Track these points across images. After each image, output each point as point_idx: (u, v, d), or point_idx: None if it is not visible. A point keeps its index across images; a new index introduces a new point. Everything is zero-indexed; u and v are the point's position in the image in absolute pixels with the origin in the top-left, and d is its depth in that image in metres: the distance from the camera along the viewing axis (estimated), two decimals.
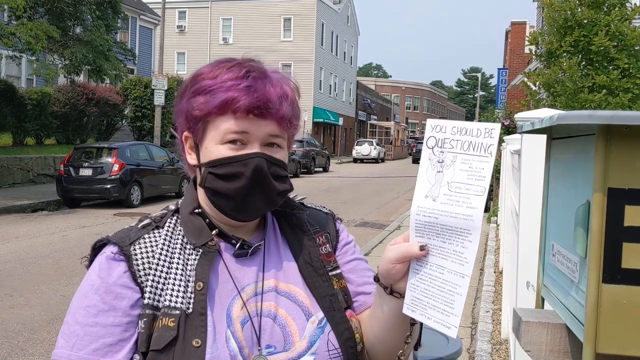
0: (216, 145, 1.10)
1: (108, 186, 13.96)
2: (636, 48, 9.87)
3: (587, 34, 9.70)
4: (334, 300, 1.18)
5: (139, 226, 1.15)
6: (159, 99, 21.14)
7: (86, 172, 14.09)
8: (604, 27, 9.63)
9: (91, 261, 1.14)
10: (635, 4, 10.93)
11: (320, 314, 1.15)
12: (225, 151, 1.10)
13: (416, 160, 44.57)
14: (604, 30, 9.60)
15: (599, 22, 9.71)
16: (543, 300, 1.22)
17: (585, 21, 9.86)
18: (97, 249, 1.14)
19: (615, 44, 9.79)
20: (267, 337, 1.11)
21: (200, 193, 1.18)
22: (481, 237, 10.64)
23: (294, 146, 29.27)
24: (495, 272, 7.54)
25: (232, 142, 1.09)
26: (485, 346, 4.87)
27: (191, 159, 1.17)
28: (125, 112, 24.95)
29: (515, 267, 3.21)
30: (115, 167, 14.09)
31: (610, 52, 9.66)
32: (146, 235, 1.13)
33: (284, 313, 1.14)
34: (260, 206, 1.13)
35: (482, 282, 7.17)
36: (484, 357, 4.63)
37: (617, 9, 9.93)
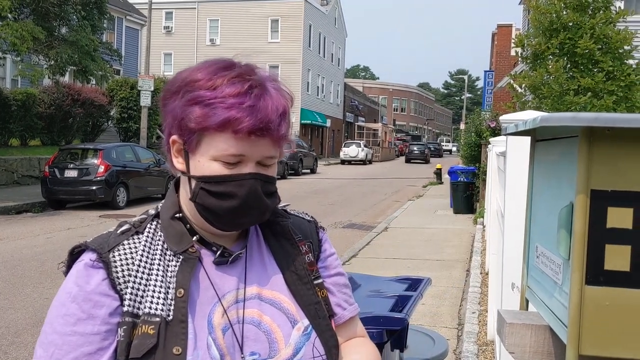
0: (210, 160, 1.08)
1: (94, 188, 13.84)
2: (620, 51, 9.96)
3: (573, 36, 9.78)
4: (318, 309, 1.18)
5: (118, 232, 1.13)
6: (145, 100, 21.02)
7: (71, 173, 13.96)
8: (588, 30, 9.72)
9: (69, 267, 1.12)
10: (619, 7, 11.04)
11: (306, 321, 1.15)
12: (220, 168, 1.08)
13: (409, 160, 47.49)
14: (589, 33, 9.68)
15: (584, 25, 9.79)
16: (527, 301, 1.22)
17: (571, 24, 9.94)
18: (74, 255, 1.12)
19: (600, 46, 9.88)
20: (251, 343, 1.11)
21: (183, 197, 1.16)
22: (468, 238, 10.70)
23: None
24: (481, 273, 7.58)
25: (228, 161, 1.08)
26: (471, 347, 4.88)
27: (178, 162, 1.14)
28: (111, 113, 24.77)
29: (501, 268, 3.22)
30: (101, 169, 13.97)
31: (595, 55, 9.74)
32: (125, 242, 1.11)
33: (269, 320, 1.13)
34: (249, 222, 1.14)
35: (469, 283, 7.20)
36: (470, 358, 4.65)
37: (601, 12, 10.01)
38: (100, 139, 23.70)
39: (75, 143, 20.72)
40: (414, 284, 2.64)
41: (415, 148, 48.78)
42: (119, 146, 15.79)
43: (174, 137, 1.12)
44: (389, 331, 2.08)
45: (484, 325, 5.54)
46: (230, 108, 1.05)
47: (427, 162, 46.26)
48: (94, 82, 21.52)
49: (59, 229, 11.31)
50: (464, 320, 5.74)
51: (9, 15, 14.92)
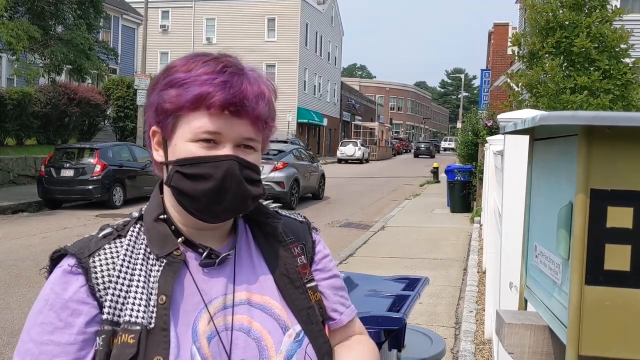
0: (186, 142, 1.05)
1: (90, 187, 13.80)
2: (616, 49, 9.98)
3: (569, 35, 9.80)
4: (311, 313, 1.14)
5: (100, 235, 1.09)
6: (141, 99, 20.97)
7: (68, 173, 13.92)
8: (585, 29, 9.74)
9: (50, 272, 1.08)
10: (615, 5, 11.06)
11: (298, 327, 1.12)
12: (196, 150, 1.04)
13: (417, 155, 55.10)
14: (585, 32, 9.70)
15: (580, 23, 9.81)
16: (526, 301, 1.22)
17: (567, 23, 9.96)
18: (54, 260, 1.08)
19: (596, 45, 9.90)
20: (240, 352, 1.07)
21: (167, 196, 1.12)
22: (465, 237, 10.71)
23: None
24: (478, 272, 7.58)
25: (204, 140, 1.04)
26: (468, 346, 4.88)
27: (158, 155, 1.11)
28: (108, 112, 24.74)
29: (499, 267, 3.22)
30: (97, 168, 13.94)
31: (591, 54, 9.76)
32: (107, 246, 1.07)
33: (259, 326, 1.09)
34: (229, 210, 1.08)
35: (466, 282, 7.20)
36: (467, 358, 4.65)
37: (597, 10, 10.04)
38: (96, 138, 23.66)
39: (71, 142, 20.66)
40: (412, 283, 2.64)
41: (422, 145, 58.12)
42: (115, 145, 15.76)
43: (154, 127, 1.10)
44: (387, 331, 2.07)
45: (481, 324, 5.54)
46: (202, 84, 1.03)
47: (432, 156, 53.62)
48: (89, 81, 21.48)
49: (55, 228, 11.28)
50: (461, 319, 5.74)
51: (5, 14, 14.87)
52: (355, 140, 45.27)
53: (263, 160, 10.41)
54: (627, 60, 10.17)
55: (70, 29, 17.24)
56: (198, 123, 1.04)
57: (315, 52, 48.20)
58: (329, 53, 52.07)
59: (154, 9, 40.54)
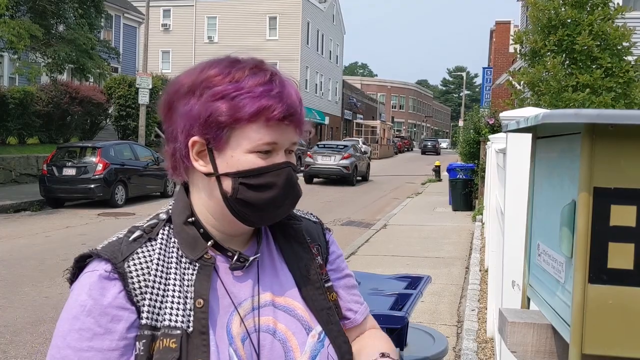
0: (245, 154, 1.06)
1: (92, 186, 13.82)
2: (619, 47, 9.96)
3: (571, 33, 9.78)
4: (330, 314, 1.16)
5: (130, 239, 1.07)
6: (143, 98, 21.00)
7: (70, 171, 13.95)
8: (587, 27, 9.71)
9: (74, 275, 1.07)
10: (617, 3, 11.03)
11: (319, 328, 1.14)
12: (256, 160, 1.06)
13: (424, 152, 57.96)
14: (587, 30, 9.68)
15: (582, 21, 9.78)
16: (529, 300, 1.22)
17: (569, 20, 9.94)
18: (84, 263, 1.06)
19: (598, 43, 9.88)
20: (267, 353, 1.09)
21: (202, 201, 1.12)
22: (467, 236, 10.70)
23: None
24: (480, 271, 7.57)
25: (262, 151, 1.06)
26: (471, 345, 4.88)
27: (200, 165, 1.09)
28: (110, 111, 24.74)
29: (501, 266, 3.22)
30: (99, 167, 13.96)
31: (593, 52, 9.74)
32: (139, 250, 1.06)
33: (284, 328, 1.12)
34: (283, 213, 1.13)
35: (468, 280, 7.20)
36: (469, 356, 4.65)
37: (600, 8, 10.01)
38: (98, 137, 23.67)
39: (73, 141, 20.68)
40: (414, 282, 2.64)
41: (429, 143, 61.50)
42: (117, 144, 15.78)
43: (195, 137, 1.07)
44: (389, 329, 2.07)
45: (483, 322, 5.54)
46: (260, 97, 1.04)
47: (438, 153, 56.54)
48: (91, 80, 21.50)
49: (57, 227, 11.30)
50: (463, 318, 5.74)
51: (6, 13, 14.89)
52: (357, 139, 45.28)
53: (335, 152, 15.78)
54: (630, 58, 10.14)
55: (72, 29, 17.26)
56: (257, 135, 1.05)
57: (317, 50, 48.19)
58: (330, 51, 52.06)
59: (155, 7, 40.53)
